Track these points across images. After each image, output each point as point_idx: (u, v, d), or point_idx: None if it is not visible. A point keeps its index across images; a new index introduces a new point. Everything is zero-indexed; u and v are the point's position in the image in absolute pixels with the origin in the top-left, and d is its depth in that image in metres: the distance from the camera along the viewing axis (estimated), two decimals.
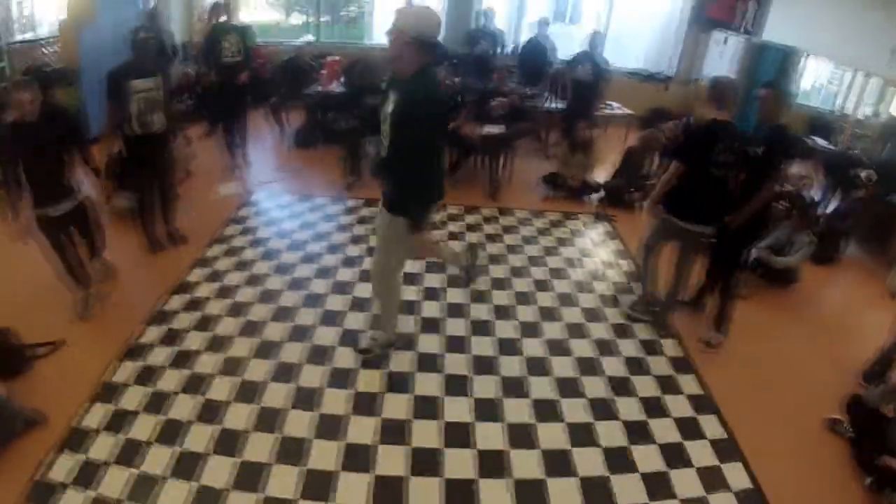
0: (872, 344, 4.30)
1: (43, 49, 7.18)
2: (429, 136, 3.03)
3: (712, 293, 4.44)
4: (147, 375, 3.53)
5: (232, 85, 6.19)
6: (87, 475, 2.86)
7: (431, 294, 4.58)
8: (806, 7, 8.04)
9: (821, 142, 8.19)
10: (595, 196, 6.73)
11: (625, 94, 8.32)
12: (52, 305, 3.99)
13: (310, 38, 9.80)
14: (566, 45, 9.13)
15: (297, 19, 10.70)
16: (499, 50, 8.79)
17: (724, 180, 3.88)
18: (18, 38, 7.04)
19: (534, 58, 8.37)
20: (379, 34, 13.93)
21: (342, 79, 7.66)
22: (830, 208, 6.52)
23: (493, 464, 3.11)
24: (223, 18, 6.36)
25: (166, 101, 4.60)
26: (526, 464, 3.12)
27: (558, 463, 3.15)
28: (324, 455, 3.08)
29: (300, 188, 6.43)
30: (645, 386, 3.83)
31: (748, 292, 5.00)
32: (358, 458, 3.07)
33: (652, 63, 10.23)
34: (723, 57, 9.32)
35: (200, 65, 6.63)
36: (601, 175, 7.03)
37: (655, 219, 4.25)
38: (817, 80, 9.97)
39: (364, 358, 3.76)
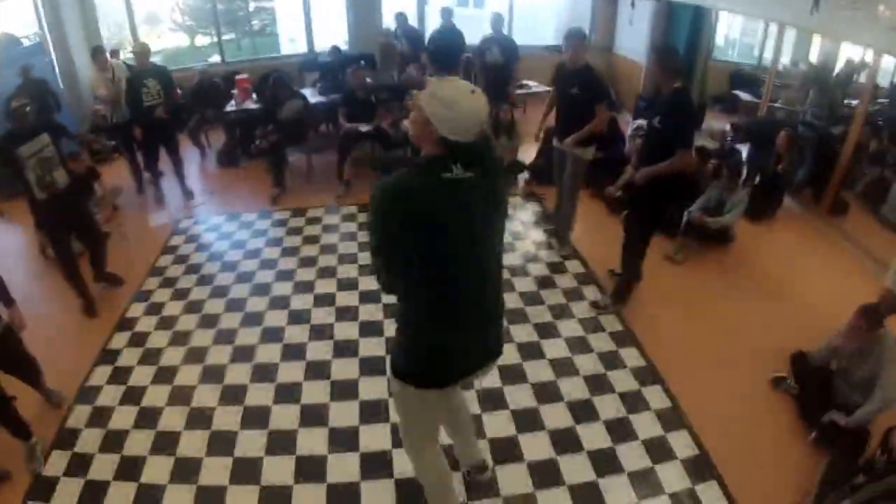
0: (810, 298, 4.52)
1: None
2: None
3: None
4: (100, 416, 3.58)
5: (153, 122, 6.13)
6: None
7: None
8: None
9: (744, 95, 8.20)
10: (521, 177, 6.75)
11: (542, 71, 8.04)
12: None
13: (216, 58, 9.62)
14: (477, 29, 8.68)
15: (202, 40, 10.54)
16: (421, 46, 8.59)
17: (572, 103, 4.75)
18: None
19: (446, 46, 8.03)
20: (285, 45, 13.46)
21: (254, 95, 7.64)
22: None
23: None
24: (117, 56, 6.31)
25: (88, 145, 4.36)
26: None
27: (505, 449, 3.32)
28: (277, 470, 3.19)
29: (227, 207, 6.43)
30: (588, 364, 3.90)
31: (683, 257, 5.06)
32: (313, 471, 3.19)
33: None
34: (633, 23, 9.05)
35: (123, 112, 6.45)
36: (526, 155, 6.97)
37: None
38: (732, 34, 9.91)
39: None
